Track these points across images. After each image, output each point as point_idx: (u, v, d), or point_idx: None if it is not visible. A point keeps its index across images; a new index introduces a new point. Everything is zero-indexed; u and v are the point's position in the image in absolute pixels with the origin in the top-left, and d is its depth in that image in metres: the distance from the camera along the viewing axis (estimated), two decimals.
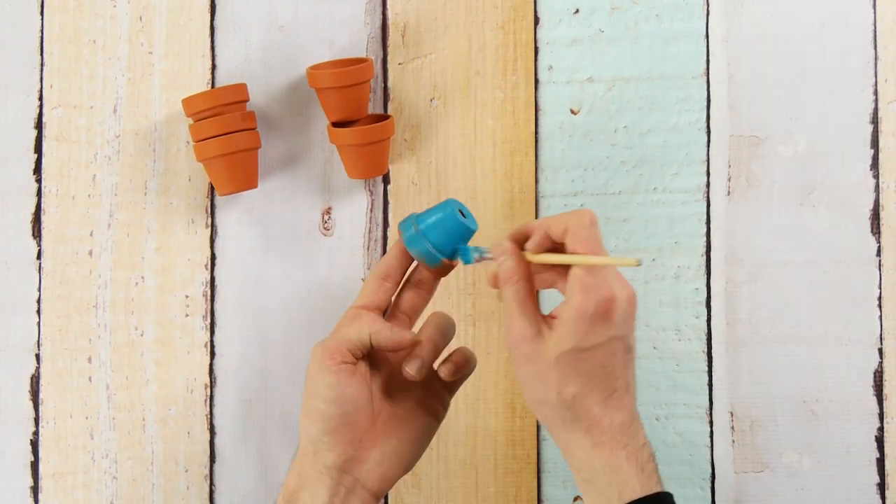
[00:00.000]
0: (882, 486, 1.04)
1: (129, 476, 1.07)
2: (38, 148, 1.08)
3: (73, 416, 1.07)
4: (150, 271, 1.08)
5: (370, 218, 1.07)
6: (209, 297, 1.08)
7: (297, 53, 1.08)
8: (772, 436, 1.04)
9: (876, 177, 1.05)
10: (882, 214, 1.05)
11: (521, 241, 0.87)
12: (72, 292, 1.08)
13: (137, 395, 1.07)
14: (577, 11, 1.07)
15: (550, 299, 0.92)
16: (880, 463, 1.04)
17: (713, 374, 1.05)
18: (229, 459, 1.07)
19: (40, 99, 1.09)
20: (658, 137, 1.06)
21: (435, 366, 0.90)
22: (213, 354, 1.07)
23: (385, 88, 1.08)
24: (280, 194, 1.08)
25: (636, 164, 1.06)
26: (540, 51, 1.07)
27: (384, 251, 1.07)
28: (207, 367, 1.07)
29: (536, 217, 1.06)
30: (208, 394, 1.07)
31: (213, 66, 1.08)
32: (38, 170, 1.08)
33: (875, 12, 1.06)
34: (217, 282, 1.08)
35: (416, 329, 0.93)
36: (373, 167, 1.04)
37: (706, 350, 1.05)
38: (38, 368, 1.08)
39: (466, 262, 0.90)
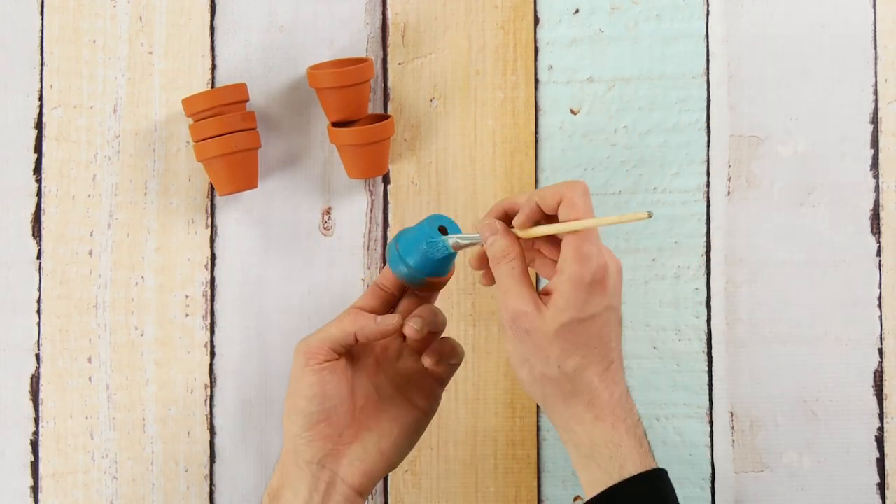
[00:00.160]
0: (882, 486, 1.04)
1: (129, 476, 1.07)
2: (38, 148, 1.08)
3: (73, 416, 1.07)
4: (150, 271, 1.08)
5: (370, 218, 1.07)
6: (209, 297, 1.08)
7: (297, 53, 1.08)
8: (772, 436, 1.04)
9: (876, 177, 1.05)
10: (882, 214, 1.05)
11: (504, 218, 0.87)
12: (72, 292, 1.08)
13: (137, 395, 1.07)
14: (577, 11, 1.07)
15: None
16: (880, 463, 1.04)
17: (713, 374, 1.05)
18: (229, 459, 1.07)
19: (40, 99, 1.09)
20: (658, 137, 1.06)
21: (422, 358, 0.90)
22: (213, 354, 1.07)
23: (385, 88, 1.08)
24: (280, 194, 1.08)
25: (636, 164, 1.06)
26: (540, 51, 1.07)
27: (384, 251, 1.07)
28: (207, 367, 1.07)
29: None
30: (208, 394, 1.07)
31: (213, 66, 1.08)
32: (38, 170, 1.08)
33: (875, 12, 1.06)
34: (217, 282, 1.08)
35: None
36: (373, 167, 1.04)
37: (706, 350, 1.05)
38: (38, 368, 1.08)
39: (446, 253, 0.88)
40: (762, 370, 1.05)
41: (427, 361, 0.90)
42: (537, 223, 0.85)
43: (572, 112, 1.07)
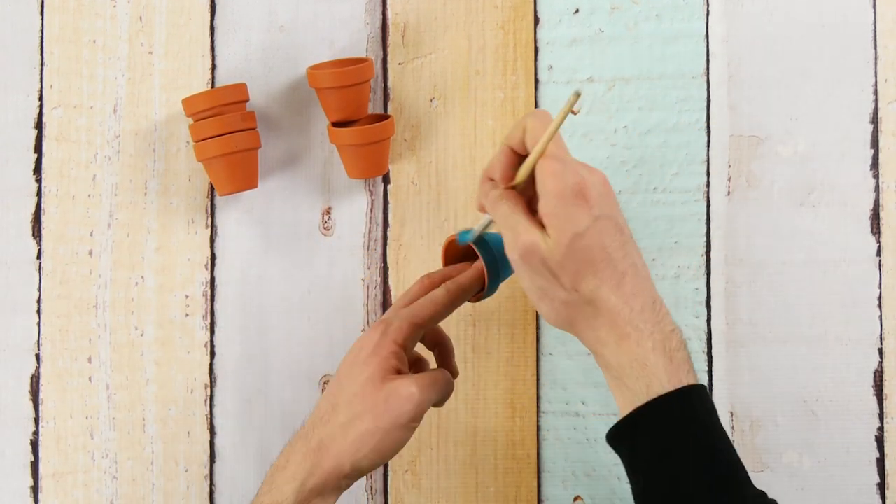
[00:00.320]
0: (882, 486, 1.04)
1: (129, 476, 1.07)
2: (38, 148, 1.08)
3: (73, 416, 1.07)
4: (150, 271, 1.08)
5: (370, 218, 1.07)
6: (209, 297, 1.08)
7: (297, 53, 1.08)
8: (772, 436, 1.04)
9: (876, 177, 1.05)
10: (882, 214, 1.05)
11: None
12: (72, 292, 1.08)
13: (137, 395, 1.07)
14: (577, 11, 1.07)
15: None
16: (880, 463, 1.04)
17: (713, 374, 1.05)
18: (229, 459, 1.07)
19: (40, 99, 1.09)
20: (658, 137, 1.06)
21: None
22: (213, 354, 1.07)
23: (385, 88, 1.08)
24: (280, 194, 1.08)
25: (636, 164, 1.06)
26: (540, 51, 1.07)
27: (384, 251, 1.07)
28: (207, 367, 1.07)
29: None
30: (208, 394, 1.07)
31: (213, 66, 1.08)
32: (38, 170, 1.08)
33: (875, 12, 1.06)
34: (217, 282, 1.08)
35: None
36: (373, 167, 1.04)
37: (706, 350, 1.05)
38: (38, 368, 1.08)
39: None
40: (762, 370, 1.05)
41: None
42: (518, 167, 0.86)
43: (572, 112, 1.07)
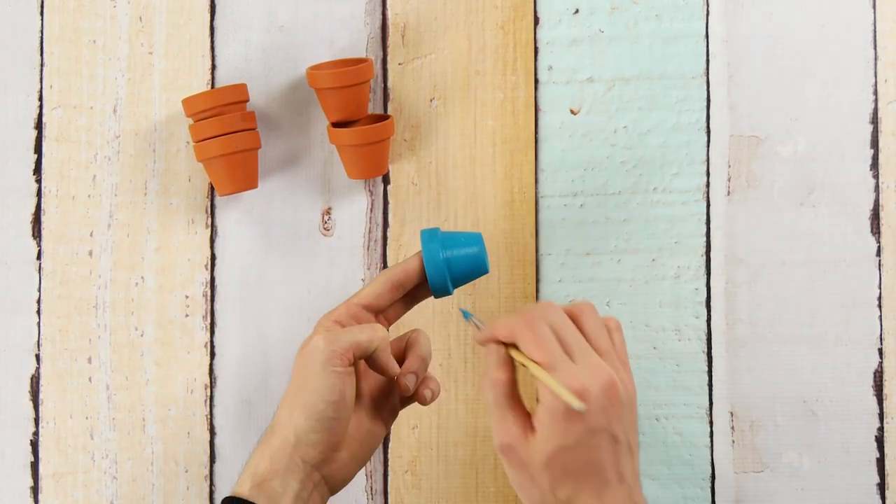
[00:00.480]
0: (882, 486, 1.04)
1: (129, 476, 1.07)
2: (38, 148, 1.08)
3: (73, 416, 1.07)
4: (150, 271, 1.08)
5: (370, 218, 1.07)
6: (209, 297, 1.08)
7: (297, 53, 1.08)
8: (772, 436, 1.04)
9: (876, 177, 1.05)
10: (882, 214, 1.05)
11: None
12: (72, 292, 1.08)
13: (137, 395, 1.07)
14: (577, 11, 1.07)
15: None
16: (880, 463, 1.04)
17: (713, 374, 1.05)
18: (229, 459, 1.07)
19: (40, 99, 1.09)
20: (658, 137, 1.06)
21: (411, 387, 0.90)
22: (213, 354, 1.07)
23: (385, 88, 1.08)
24: (280, 194, 1.08)
25: (636, 164, 1.06)
26: (540, 51, 1.07)
27: (384, 251, 1.07)
28: (207, 368, 1.07)
29: (536, 217, 1.06)
30: (208, 394, 1.07)
31: (213, 66, 1.08)
32: (38, 170, 1.08)
33: (875, 12, 1.05)
34: (217, 282, 1.08)
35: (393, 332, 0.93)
36: (373, 167, 1.04)
37: (706, 350, 1.05)
38: (38, 368, 1.08)
39: (482, 275, 0.91)
40: (762, 370, 1.05)
41: (427, 396, 0.90)
42: None
43: (572, 112, 1.07)
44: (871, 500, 1.04)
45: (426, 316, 1.05)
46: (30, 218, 1.08)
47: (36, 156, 1.08)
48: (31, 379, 1.08)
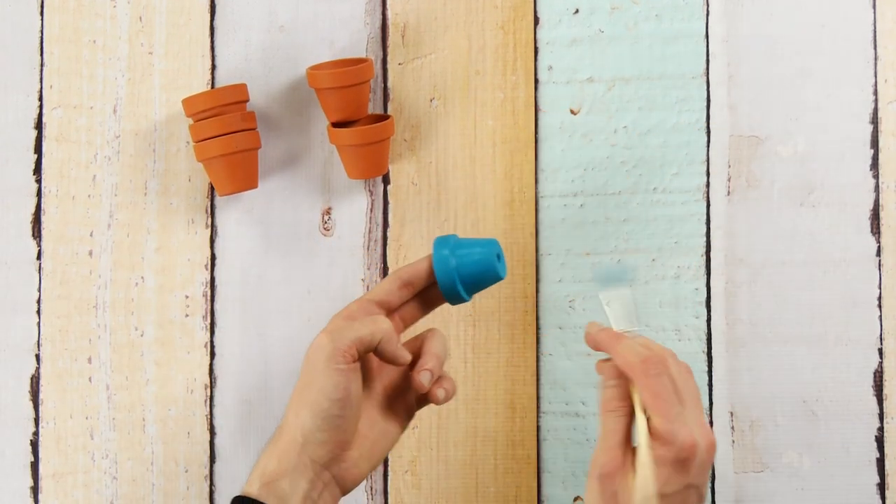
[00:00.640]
0: (882, 486, 1.04)
1: (129, 476, 1.07)
2: (38, 148, 1.08)
3: (73, 416, 1.07)
4: (150, 271, 1.08)
5: (370, 218, 1.07)
6: (209, 297, 1.08)
7: (297, 53, 1.08)
8: (772, 436, 1.04)
9: (876, 177, 1.05)
10: (882, 214, 1.05)
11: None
12: (72, 292, 1.08)
13: (137, 395, 1.07)
14: (577, 11, 1.07)
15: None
16: (880, 463, 1.04)
17: (713, 374, 1.05)
18: (229, 459, 1.07)
19: (40, 99, 1.09)
20: (658, 137, 1.06)
21: (426, 383, 0.89)
22: (213, 354, 1.07)
23: (385, 88, 1.08)
24: (280, 194, 1.08)
25: (636, 164, 1.06)
26: (540, 51, 1.07)
27: (384, 251, 1.07)
28: (207, 368, 1.07)
29: (536, 218, 1.06)
30: (208, 394, 1.07)
31: (213, 66, 1.08)
32: (38, 170, 1.08)
33: (875, 12, 1.05)
34: (217, 282, 1.08)
35: (408, 335, 0.92)
36: (373, 167, 1.04)
37: (706, 350, 1.05)
38: (38, 368, 1.08)
39: (496, 282, 0.90)
40: (762, 370, 1.05)
41: (440, 395, 0.89)
42: None
43: (572, 112, 1.07)
44: (871, 500, 1.04)
45: (428, 316, 1.05)
46: (30, 218, 1.08)
47: (36, 156, 1.08)
48: (31, 379, 1.08)
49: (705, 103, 1.06)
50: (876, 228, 1.05)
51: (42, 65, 1.09)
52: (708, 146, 1.06)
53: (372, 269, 1.07)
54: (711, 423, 1.05)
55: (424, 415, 1.06)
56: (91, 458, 1.07)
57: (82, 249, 1.08)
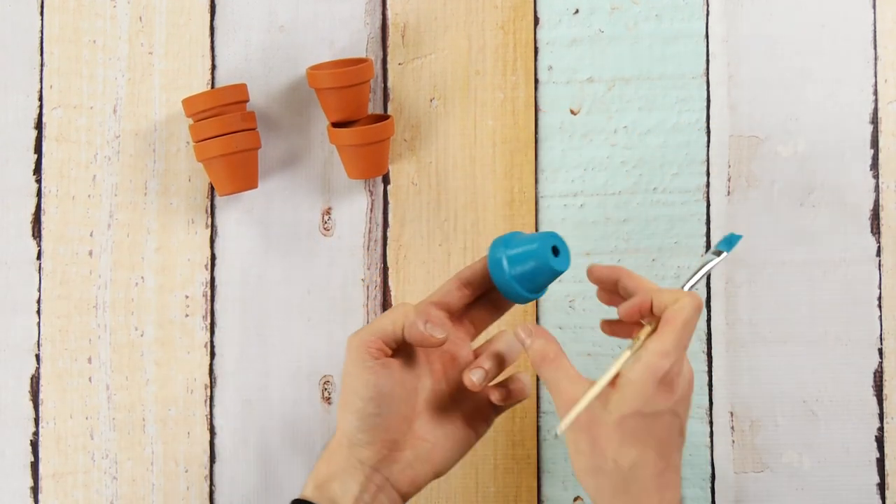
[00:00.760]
0: (882, 486, 1.04)
1: (129, 476, 1.07)
2: (38, 148, 1.08)
3: (73, 416, 1.07)
4: (150, 271, 1.08)
5: (370, 218, 1.07)
6: (209, 297, 1.08)
7: (297, 53, 1.08)
8: (772, 436, 1.04)
9: (876, 177, 1.05)
10: (882, 214, 1.05)
11: (604, 282, 0.87)
12: (72, 292, 1.08)
13: (137, 395, 1.07)
14: (577, 11, 1.07)
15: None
16: (880, 463, 1.04)
17: (713, 374, 1.05)
18: (229, 459, 1.07)
19: (40, 99, 1.09)
20: (658, 137, 1.06)
21: (476, 381, 0.87)
22: (213, 354, 1.07)
23: (385, 88, 1.08)
24: (280, 194, 1.08)
25: (636, 164, 1.06)
26: (540, 51, 1.07)
27: (384, 251, 1.07)
28: (207, 368, 1.07)
29: (536, 218, 1.06)
30: (208, 394, 1.07)
31: (213, 66, 1.08)
32: (38, 170, 1.08)
33: (875, 12, 1.05)
34: (217, 282, 1.08)
35: (478, 342, 0.92)
36: (373, 167, 1.04)
37: (706, 350, 1.05)
38: (38, 368, 1.08)
39: (553, 279, 0.88)
40: (762, 370, 1.05)
41: (495, 396, 0.88)
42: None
43: (572, 112, 1.07)
44: (871, 500, 1.04)
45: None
46: (30, 218, 1.08)
47: (36, 156, 1.08)
48: (31, 379, 1.08)
49: (705, 103, 1.06)
50: (876, 228, 1.05)
51: (42, 65, 1.09)
52: (708, 146, 1.06)
53: (372, 269, 1.07)
54: (711, 422, 1.05)
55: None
56: (91, 458, 1.07)
57: (82, 249, 1.08)
